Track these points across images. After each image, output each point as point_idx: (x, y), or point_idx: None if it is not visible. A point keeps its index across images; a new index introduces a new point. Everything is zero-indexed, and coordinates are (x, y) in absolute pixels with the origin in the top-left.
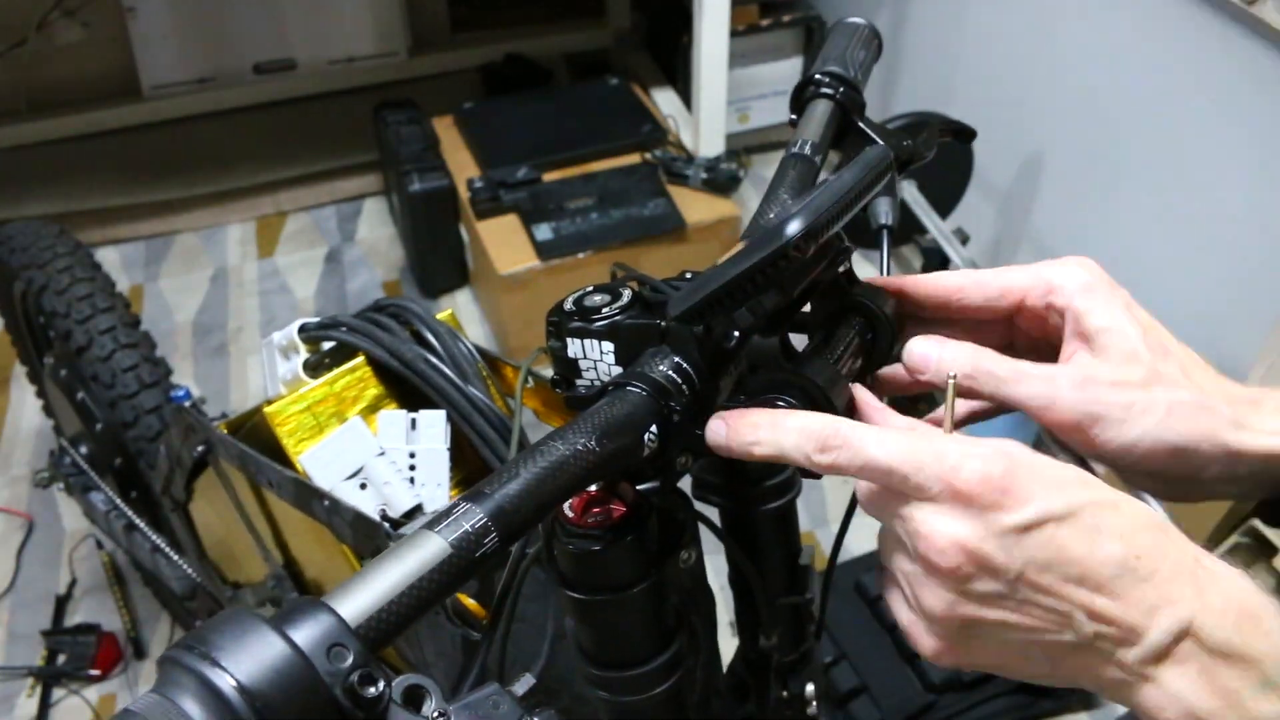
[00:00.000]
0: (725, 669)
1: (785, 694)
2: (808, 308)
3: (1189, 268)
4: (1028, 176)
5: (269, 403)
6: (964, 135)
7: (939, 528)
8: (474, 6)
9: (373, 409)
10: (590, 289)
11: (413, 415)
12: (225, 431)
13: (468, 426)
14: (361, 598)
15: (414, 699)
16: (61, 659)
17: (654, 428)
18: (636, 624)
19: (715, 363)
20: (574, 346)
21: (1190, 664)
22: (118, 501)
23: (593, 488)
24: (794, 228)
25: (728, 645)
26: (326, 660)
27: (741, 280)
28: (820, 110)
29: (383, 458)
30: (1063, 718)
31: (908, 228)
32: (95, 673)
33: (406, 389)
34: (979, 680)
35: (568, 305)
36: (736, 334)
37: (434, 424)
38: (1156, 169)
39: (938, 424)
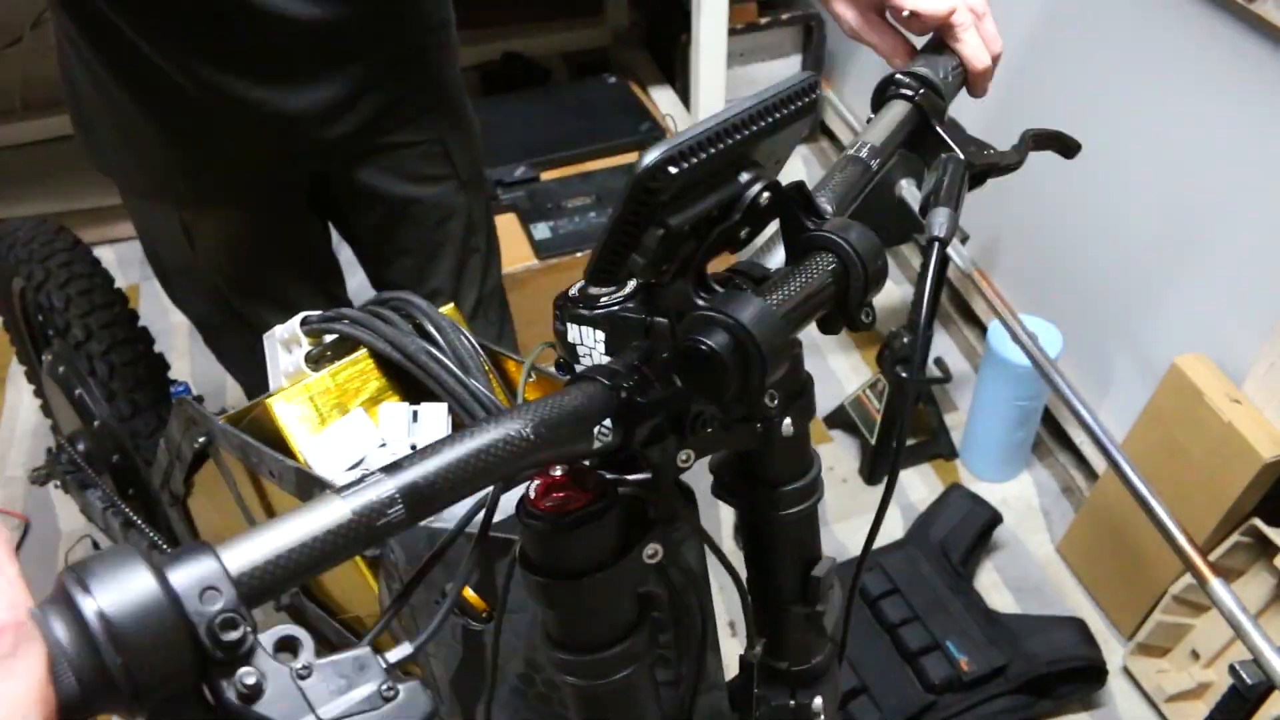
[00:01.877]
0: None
1: (792, 703)
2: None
3: (1189, 267)
4: (1027, 176)
5: (271, 395)
6: (1068, 149)
7: None
8: (472, 5)
9: (374, 401)
10: None
11: (414, 408)
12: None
13: (469, 419)
14: (252, 548)
15: (288, 648)
16: None
17: (608, 422)
18: (593, 610)
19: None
20: (573, 332)
21: None
22: (115, 499)
23: (557, 472)
24: (649, 158)
25: (728, 645)
26: (199, 601)
27: (619, 224)
28: (894, 112)
29: (384, 449)
30: (1062, 717)
31: (907, 227)
32: None
33: (408, 381)
34: (978, 680)
35: (573, 291)
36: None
37: (435, 416)
38: (1155, 167)
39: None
